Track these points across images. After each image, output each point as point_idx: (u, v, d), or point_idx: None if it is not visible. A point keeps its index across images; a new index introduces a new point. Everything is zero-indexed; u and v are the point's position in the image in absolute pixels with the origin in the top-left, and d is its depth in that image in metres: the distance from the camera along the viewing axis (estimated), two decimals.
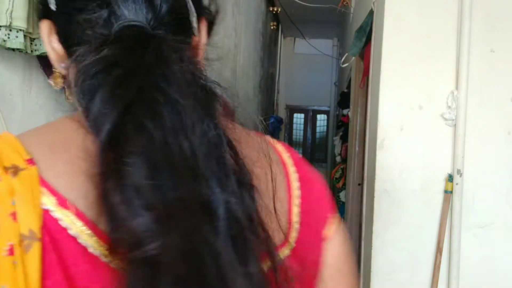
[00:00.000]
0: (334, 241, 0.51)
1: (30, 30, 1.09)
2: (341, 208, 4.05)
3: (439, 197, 1.85)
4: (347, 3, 4.16)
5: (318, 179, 0.53)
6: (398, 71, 1.89)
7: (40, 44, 1.12)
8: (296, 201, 0.48)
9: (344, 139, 4.23)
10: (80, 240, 0.36)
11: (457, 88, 1.83)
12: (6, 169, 0.35)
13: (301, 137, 8.87)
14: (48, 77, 1.29)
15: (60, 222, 0.36)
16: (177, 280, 0.32)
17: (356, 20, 3.35)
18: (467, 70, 1.81)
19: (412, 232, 1.88)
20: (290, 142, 8.82)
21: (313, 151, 8.78)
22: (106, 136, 0.34)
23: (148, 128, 0.33)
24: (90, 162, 0.35)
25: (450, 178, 1.82)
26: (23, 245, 0.34)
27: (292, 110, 8.76)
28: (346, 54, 3.20)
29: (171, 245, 0.32)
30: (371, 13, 2.23)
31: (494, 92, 1.84)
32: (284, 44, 8.44)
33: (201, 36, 0.48)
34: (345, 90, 4.50)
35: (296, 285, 0.41)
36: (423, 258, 1.87)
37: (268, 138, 0.51)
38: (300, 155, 0.54)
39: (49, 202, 0.36)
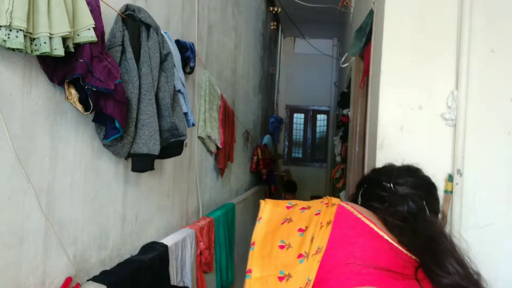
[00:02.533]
0: None
1: (30, 30, 1.09)
2: None
3: (439, 197, 1.85)
4: (347, 3, 4.16)
5: None
6: (398, 71, 1.89)
7: (40, 44, 1.12)
8: None
9: (344, 139, 4.22)
10: (352, 212, 0.82)
11: (457, 88, 1.83)
12: (329, 197, 0.86)
13: (301, 137, 8.86)
14: (48, 77, 1.29)
15: (343, 205, 0.82)
16: None
17: (356, 20, 3.35)
18: (467, 70, 1.81)
19: None
20: (290, 142, 8.82)
21: (313, 151, 8.78)
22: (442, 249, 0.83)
23: (447, 259, 0.82)
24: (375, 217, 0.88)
25: (450, 178, 1.82)
26: (330, 205, 0.81)
27: (292, 110, 8.75)
28: (346, 54, 3.20)
29: None
30: (371, 13, 2.23)
31: (494, 92, 1.84)
32: (284, 44, 8.43)
33: None
34: (345, 90, 4.49)
35: None
36: None
37: None
38: None
39: (342, 203, 0.82)
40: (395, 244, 0.79)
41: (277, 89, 8.02)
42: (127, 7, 1.68)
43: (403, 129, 1.89)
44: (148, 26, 1.76)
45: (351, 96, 3.69)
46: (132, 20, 1.68)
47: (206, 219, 2.83)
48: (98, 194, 1.63)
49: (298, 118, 8.86)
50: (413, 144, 1.88)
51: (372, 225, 0.80)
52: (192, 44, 2.41)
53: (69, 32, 1.18)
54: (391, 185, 0.97)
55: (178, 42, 2.25)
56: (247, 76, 4.76)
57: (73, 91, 1.31)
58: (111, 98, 1.42)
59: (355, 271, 0.71)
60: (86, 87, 1.30)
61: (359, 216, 0.81)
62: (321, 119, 8.80)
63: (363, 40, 2.38)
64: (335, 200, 0.84)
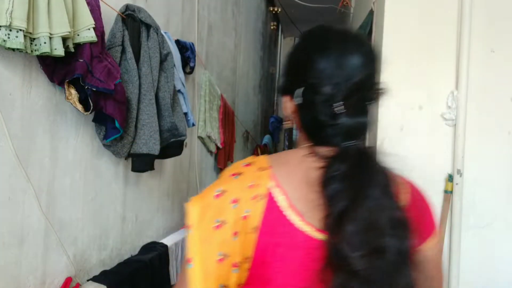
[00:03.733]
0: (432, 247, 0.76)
1: (30, 30, 1.09)
2: None
3: (439, 197, 1.85)
4: (347, 3, 4.16)
5: (421, 201, 0.78)
6: (398, 71, 1.89)
7: (40, 44, 1.12)
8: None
9: None
10: (281, 209, 0.66)
11: (457, 88, 1.83)
12: (260, 168, 0.70)
13: None
14: (48, 77, 1.29)
15: (273, 194, 0.67)
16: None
17: (356, 20, 3.35)
18: (467, 70, 1.81)
19: None
20: (290, 142, 8.82)
21: None
22: (339, 209, 0.63)
23: (363, 210, 0.63)
24: (310, 187, 0.67)
25: (450, 178, 1.82)
26: (258, 199, 0.66)
27: None
28: None
29: (370, 267, 0.61)
30: (371, 13, 2.23)
31: (494, 92, 1.84)
32: (284, 44, 8.43)
33: None
34: None
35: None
36: None
37: (404, 178, 0.78)
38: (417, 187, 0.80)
39: (272, 184, 0.67)
40: (314, 235, 0.65)
41: (277, 89, 8.01)
42: (127, 7, 1.68)
43: (403, 129, 1.89)
44: (148, 26, 1.76)
45: None
46: (132, 20, 1.68)
47: None
48: (98, 194, 1.63)
49: None
50: (413, 144, 1.88)
51: (298, 222, 0.65)
52: (192, 44, 2.41)
53: (69, 32, 1.18)
54: (339, 107, 0.67)
55: (178, 42, 2.25)
56: (247, 76, 4.76)
57: (73, 91, 1.31)
58: (111, 98, 1.42)
59: None
60: (86, 87, 1.30)
61: (286, 212, 0.65)
62: None
63: None
64: (265, 180, 0.68)
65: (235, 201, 0.66)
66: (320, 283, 0.63)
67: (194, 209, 0.68)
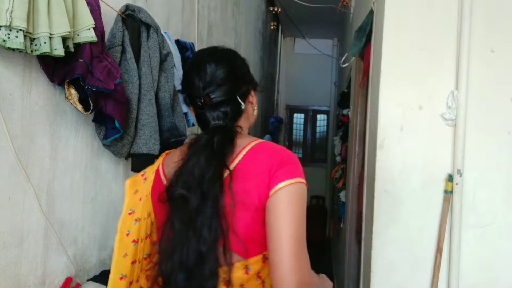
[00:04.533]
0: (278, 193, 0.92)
1: (30, 30, 1.09)
2: (341, 208, 4.05)
3: (439, 197, 1.85)
4: (347, 3, 4.16)
5: (263, 159, 0.96)
6: (398, 71, 1.89)
7: (40, 44, 1.12)
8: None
9: (344, 139, 4.22)
10: (160, 175, 1.09)
11: (457, 88, 1.83)
12: (162, 156, 1.14)
13: (301, 137, 8.86)
14: (48, 77, 1.29)
15: (159, 169, 1.10)
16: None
17: (356, 20, 3.35)
18: (467, 70, 1.81)
19: (412, 232, 1.88)
20: (290, 142, 8.82)
21: (313, 151, 8.78)
22: (179, 165, 1.01)
23: (188, 165, 0.99)
24: (176, 163, 1.01)
25: (450, 178, 1.82)
26: (151, 174, 1.11)
27: (292, 110, 8.75)
28: (346, 54, 3.20)
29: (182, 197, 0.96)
30: (371, 13, 2.23)
31: (494, 92, 1.84)
32: (284, 44, 8.43)
33: (248, 103, 1.10)
34: (345, 90, 4.49)
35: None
36: (423, 258, 1.87)
37: (252, 139, 1.02)
38: (264, 145, 1.00)
39: (160, 163, 1.11)
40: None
41: (277, 89, 8.02)
42: (127, 7, 1.68)
43: (403, 129, 1.89)
44: (148, 26, 1.76)
45: (351, 96, 3.69)
46: (132, 20, 1.68)
47: None
48: (98, 194, 1.63)
49: (298, 118, 8.86)
50: (413, 144, 1.88)
51: (165, 181, 1.06)
52: (192, 44, 2.41)
53: (69, 32, 1.18)
54: (202, 99, 1.02)
55: (178, 42, 2.25)
56: None
57: (73, 91, 1.31)
58: (111, 98, 1.42)
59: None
60: (86, 87, 1.30)
61: (161, 177, 1.07)
62: (321, 119, 8.80)
63: (363, 40, 2.38)
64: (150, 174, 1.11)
65: (145, 179, 1.11)
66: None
67: (128, 182, 1.12)
